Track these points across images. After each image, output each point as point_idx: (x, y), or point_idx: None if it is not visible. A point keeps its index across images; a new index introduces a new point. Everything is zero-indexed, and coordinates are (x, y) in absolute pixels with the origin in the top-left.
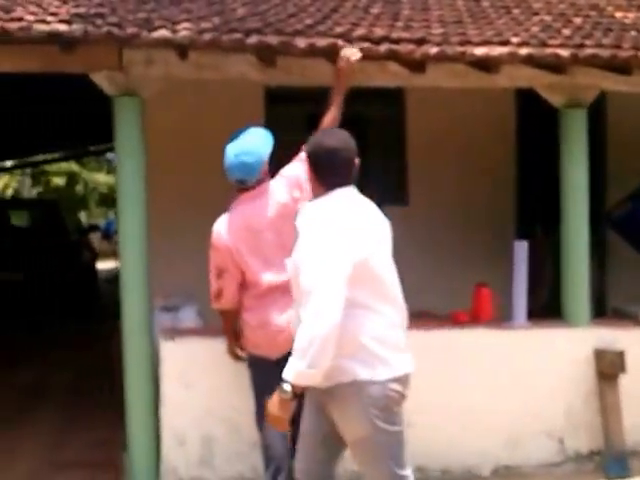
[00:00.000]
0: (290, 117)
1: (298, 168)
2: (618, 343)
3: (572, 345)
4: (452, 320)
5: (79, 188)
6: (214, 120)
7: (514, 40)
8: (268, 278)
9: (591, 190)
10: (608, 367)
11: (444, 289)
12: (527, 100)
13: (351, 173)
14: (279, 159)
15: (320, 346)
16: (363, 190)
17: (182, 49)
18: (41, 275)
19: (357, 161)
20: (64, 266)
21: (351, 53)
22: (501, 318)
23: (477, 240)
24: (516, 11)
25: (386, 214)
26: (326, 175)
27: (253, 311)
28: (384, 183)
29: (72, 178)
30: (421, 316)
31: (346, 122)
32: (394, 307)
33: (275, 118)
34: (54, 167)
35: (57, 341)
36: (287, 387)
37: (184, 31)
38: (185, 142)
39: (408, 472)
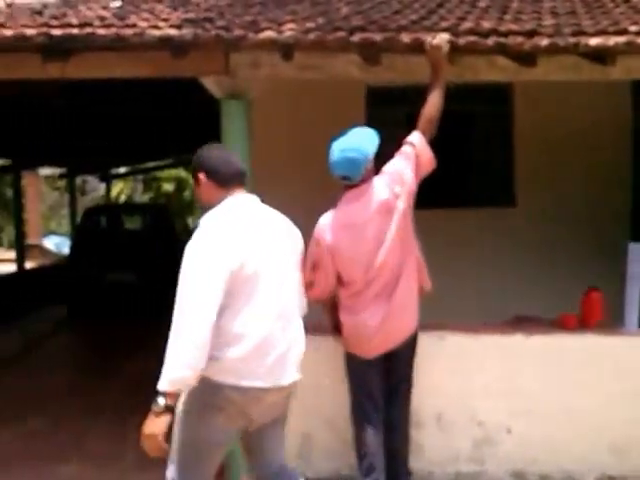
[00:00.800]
0: (390, 117)
1: (399, 162)
2: None
3: None
4: (560, 324)
5: (187, 193)
6: (317, 120)
7: (632, 29)
8: (364, 279)
9: None
10: None
11: (553, 292)
12: None
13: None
14: (382, 157)
15: (190, 350)
16: (469, 190)
17: (287, 49)
18: (153, 276)
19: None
20: (174, 268)
21: (439, 40)
22: (611, 323)
23: (588, 241)
24: None
25: (492, 215)
26: (219, 180)
27: (349, 310)
28: (491, 183)
29: (180, 184)
30: (521, 321)
31: (453, 119)
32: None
33: (376, 117)
34: (164, 173)
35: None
36: (160, 400)
37: (289, 31)
38: (289, 143)
39: None
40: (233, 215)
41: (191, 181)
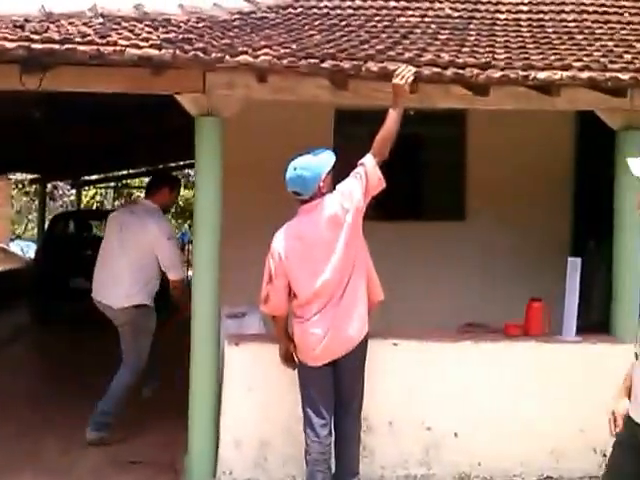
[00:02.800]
0: (357, 135)
1: (350, 181)
2: None
3: (620, 361)
4: (505, 332)
5: None
6: (288, 138)
7: (576, 64)
8: (311, 289)
9: None
10: None
11: (501, 301)
12: (585, 123)
13: None
14: (344, 175)
15: None
16: (423, 204)
17: (262, 73)
18: None
19: None
20: None
21: (406, 71)
22: (554, 332)
23: (533, 255)
24: (579, 37)
25: (443, 228)
26: None
27: (298, 319)
28: (443, 200)
29: None
30: (471, 328)
31: (409, 141)
32: None
33: (343, 136)
34: (136, 181)
35: None
36: None
37: (264, 56)
38: (259, 159)
39: None
40: None
41: None
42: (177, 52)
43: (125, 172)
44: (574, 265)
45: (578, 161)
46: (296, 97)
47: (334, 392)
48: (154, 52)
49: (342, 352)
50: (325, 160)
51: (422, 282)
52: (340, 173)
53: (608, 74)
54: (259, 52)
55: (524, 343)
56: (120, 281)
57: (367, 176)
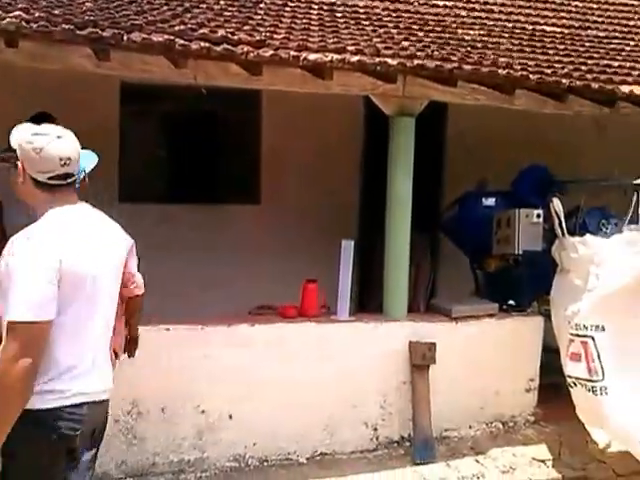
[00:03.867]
0: (145, 113)
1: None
2: (431, 336)
3: (389, 338)
4: (282, 314)
5: None
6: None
7: (350, 48)
8: None
9: (430, 195)
10: (420, 358)
11: (295, 285)
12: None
13: None
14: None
15: None
16: (218, 188)
17: (10, 36)
18: None
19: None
20: None
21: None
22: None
23: (326, 240)
24: (365, 23)
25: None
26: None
27: None
28: (239, 183)
29: None
30: (263, 310)
31: (203, 121)
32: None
33: (130, 113)
34: None
35: None
36: None
37: (13, 19)
38: None
39: None
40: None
41: None
42: None
43: None
44: (347, 248)
45: (367, 146)
46: (59, 66)
47: None
48: None
49: None
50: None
51: (216, 264)
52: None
53: (378, 59)
54: (9, 15)
55: (298, 324)
56: None
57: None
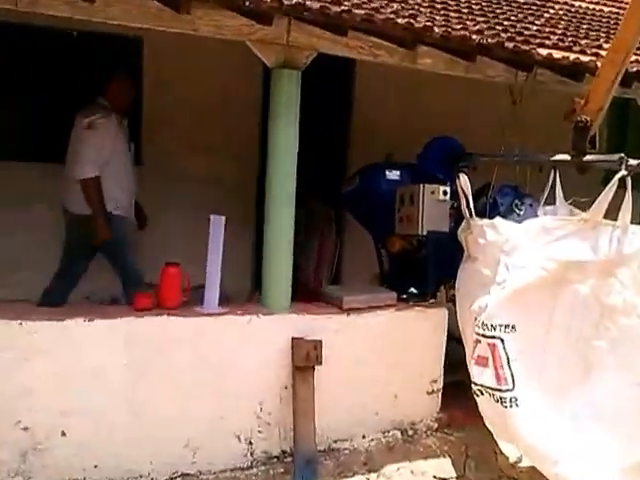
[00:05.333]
0: None
1: None
2: (317, 332)
3: (267, 334)
4: (133, 305)
5: None
6: None
7: None
8: None
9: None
10: (303, 359)
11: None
12: None
13: None
14: None
15: None
16: None
17: None
18: None
19: None
20: None
21: None
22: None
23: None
24: None
25: None
26: None
27: None
28: None
29: None
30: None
31: (80, 68)
32: None
33: None
34: None
35: None
36: None
37: None
38: None
39: None
40: None
41: None
42: None
43: None
44: (217, 224)
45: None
46: None
47: None
48: None
49: None
50: None
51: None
52: None
53: None
54: None
55: (151, 318)
56: None
57: None
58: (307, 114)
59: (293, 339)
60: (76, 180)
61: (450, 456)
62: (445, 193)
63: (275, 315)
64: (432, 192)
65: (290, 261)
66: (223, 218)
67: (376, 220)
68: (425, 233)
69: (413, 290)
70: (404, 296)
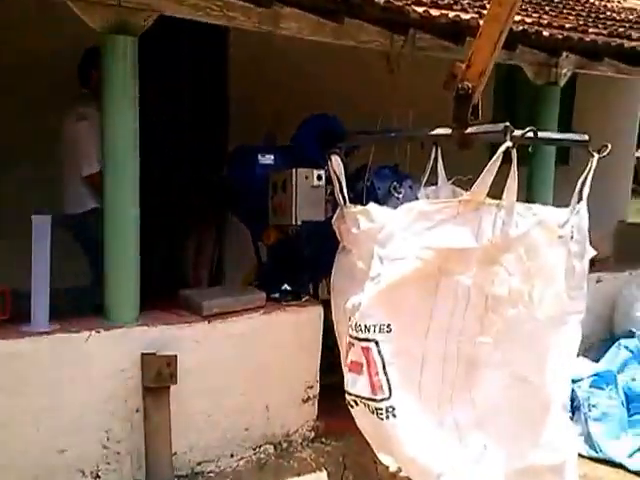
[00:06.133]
0: None
1: None
2: (174, 345)
3: (110, 352)
4: None
5: None
6: None
7: None
8: None
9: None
10: (153, 379)
11: None
12: None
13: None
14: None
15: None
16: None
17: None
18: None
19: None
20: None
21: None
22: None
23: None
24: None
25: None
26: None
27: None
28: None
29: None
30: None
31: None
32: None
33: None
34: None
35: None
36: None
37: None
38: None
39: None
40: None
41: None
42: None
43: None
44: (41, 226)
45: None
46: None
47: None
48: None
49: None
50: None
51: None
52: None
53: None
54: None
55: None
56: None
57: None
58: (171, 87)
59: (143, 355)
60: (82, 177)
61: (327, 469)
62: (320, 178)
63: (120, 329)
64: (306, 177)
65: (136, 266)
66: (49, 218)
67: (248, 210)
68: (300, 223)
69: (287, 287)
70: (276, 295)
